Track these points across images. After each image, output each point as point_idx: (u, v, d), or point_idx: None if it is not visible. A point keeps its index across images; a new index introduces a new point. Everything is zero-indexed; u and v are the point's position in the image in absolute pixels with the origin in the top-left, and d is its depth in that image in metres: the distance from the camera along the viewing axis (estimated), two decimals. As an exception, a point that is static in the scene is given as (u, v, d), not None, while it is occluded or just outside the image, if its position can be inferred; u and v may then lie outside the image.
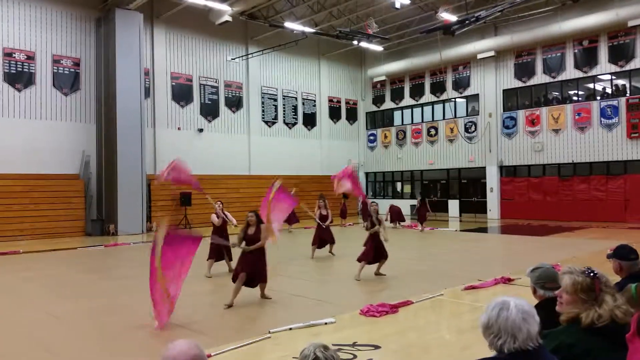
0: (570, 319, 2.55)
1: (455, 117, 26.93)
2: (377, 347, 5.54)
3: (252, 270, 7.95)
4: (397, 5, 19.31)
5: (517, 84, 24.68)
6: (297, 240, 17.44)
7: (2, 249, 14.82)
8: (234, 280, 7.98)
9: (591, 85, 22.74)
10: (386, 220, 18.69)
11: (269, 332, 6.03)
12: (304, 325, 6.33)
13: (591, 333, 2.45)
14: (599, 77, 22.30)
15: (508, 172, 25.18)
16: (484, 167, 25.65)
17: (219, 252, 10.96)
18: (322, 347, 2.04)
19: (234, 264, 9.38)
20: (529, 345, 2.02)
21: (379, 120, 30.91)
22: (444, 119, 27.56)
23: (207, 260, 10.83)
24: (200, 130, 23.70)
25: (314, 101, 28.84)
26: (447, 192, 27.64)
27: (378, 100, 30.76)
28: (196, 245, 7.27)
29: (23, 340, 6.28)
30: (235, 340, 5.74)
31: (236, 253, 8.86)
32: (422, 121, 28.64)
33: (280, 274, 10.84)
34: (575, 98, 23.24)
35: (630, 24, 20.30)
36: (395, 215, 21.69)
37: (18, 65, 18.85)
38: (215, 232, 11.18)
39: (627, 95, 21.40)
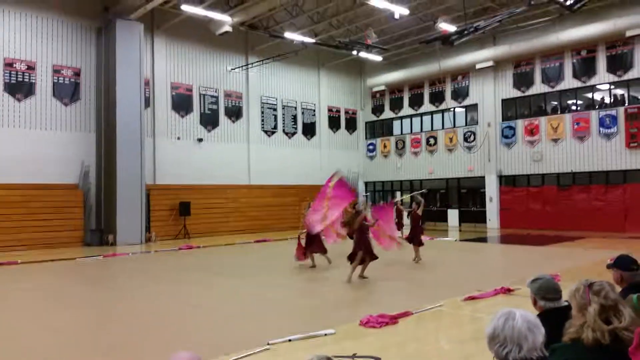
0: (572, 340, 2.48)
1: (454, 126, 26.99)
2: (377, 358, 5.50)
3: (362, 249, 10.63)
4: (396, 16, 19.41)
5: (516, 93, 24.76)
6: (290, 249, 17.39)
7: (0, 259, 14.77)
8: (350, 259, 10.71)
9: (590, 95, 22.81)
10: None
11: (268, 344, 5.99)
12: (304, 336, 6.29)
13: (596, 352, 2.38)
14: (597, 86, 22.38)
15: (507, 182, 25.18)
16: (483, 177, 25.66)
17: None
18: (325, 358, 2.05)
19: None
20: (533, 355, 2.02)
21: (378, 129, 30.96)
22: (443, 128, 27.62)
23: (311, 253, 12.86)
24: (200, 140, 23.72)
25: (314, 111, 28.91)
26: (446, 202, 27.62)
27: (377, 109, 30.84)
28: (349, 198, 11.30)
29: (20, 351, 6.23)
30: (234, 351, 5.70)
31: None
32: (422, 131, 28.70)
33: (276, 284, 10.80)
34: (574, 108, 23.31)
35: (628, 34, 20.42)
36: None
37: (18, 76, 18.89)
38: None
39: (626, 104, 21.47)
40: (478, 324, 7.07)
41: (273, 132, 26.89)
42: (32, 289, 10.79)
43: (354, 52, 23.48)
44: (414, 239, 13.75)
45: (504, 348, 2.07)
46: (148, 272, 13.21)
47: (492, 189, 25.31)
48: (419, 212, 14.14)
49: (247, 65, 25.24)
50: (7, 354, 6.15)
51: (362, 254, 10.62)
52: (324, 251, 12.88)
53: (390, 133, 30.23)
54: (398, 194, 29.48)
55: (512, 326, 2.06)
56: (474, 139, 26.19)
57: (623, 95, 21.82)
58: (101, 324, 7.60)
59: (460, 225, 26.42)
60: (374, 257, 10.81)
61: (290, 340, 6.15)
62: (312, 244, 12.75)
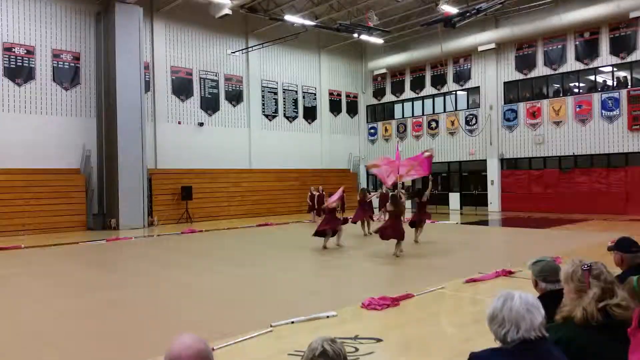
0: (564, 318, 2.57)
1: (456, 109, 26.88)
2: (378, 340, 5.56)
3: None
4: (398, -2, 19.23)
5: (518, 76, 24.62)
6: (294, 232, 17.48)
7: (4, 244, 14.86)
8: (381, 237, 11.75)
9: (592, 78, 22.67)
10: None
11: (271, 326, 6.05)
12: (306, 318, 6.35)
13: (586, 329, 2.46)
14: (600, 69, 22.23)
15: (509, 165, 25.16)
16: (485, 160, 25.64)
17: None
18: (329, 340, 2.07)
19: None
20: (531, 335, 2.07)
21: (380, 113, 30.86)
22: (444, 111, 27.53)
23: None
24: (201, 124, 23.68)
25: (315, 94, 28.80)
26: (447, 185, 27.63)
27: (378, 93, 30.70)
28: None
29: (23, 335, 6.30)
30: (237, 334, 5.76)
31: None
32: (423, 114, 28.60)
33: (281, 268, 10.86)
34: (576, 90, 23.19)
35: (632, 15, 20.20)
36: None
37: (18, 60, 18.81)
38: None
39: (629, 87, 21.35)
40: (479, 306, 7.13)
41: (274, 116, 26.82)
42: (36, 273, 10.88)
43: (355, 35, 23.32)
44: (418, 222, 14.14)
45: (502, 328, 2.12)
46: (151, 256, 13.30)
47: (493, 172, 25.31)
48: (424, 198, 14.46)
49: (247, 48, 25.08)
50: (10, 338, 6.22)
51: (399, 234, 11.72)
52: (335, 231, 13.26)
53: (392, 117, 30.13)
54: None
55: (510, 307, 2.11)
56: (476, 122, 26.11)
57: (626, 77, 21.68)
58: (104, 307, 7.67)
59: (461, 208, 26.48)
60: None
61: (292, 322, 6.21)
62: (329, 222, 13.13)
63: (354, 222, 16.10)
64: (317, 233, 13.03)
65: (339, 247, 13.18)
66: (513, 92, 25.11)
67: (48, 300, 8.26)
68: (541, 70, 23.82)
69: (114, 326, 6.62)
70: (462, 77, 26.75)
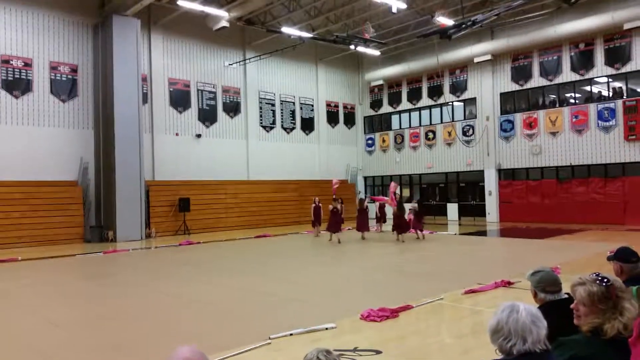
0: (593, 329, 2.44)
1: (452, 120, 26.98)
2: (378, 352, 5.53)
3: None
4: (394, 10, 19.34)
5: (514, 87, 24.75)
6: (292, 243, 17.44)
7: (1, 256, 14.77)
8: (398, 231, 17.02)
9: (588, 88, 22.81)
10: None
11: (269, 338, 6.01)
12: (305, 330, 6.31)
13: (614, 345, 2.35)
14: (595, 79, 22.37)
15: (506, 175, 25.21)
16: (482, 171, 25.68)
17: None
18: (325, 351, 2.07)
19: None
20: (537, 347, 2.04)
21: (377, 124, 30.96)
22: (441, 122, 27.62)
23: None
24: (199, 135, 23.70)
25: (312, 106, 28.88)
26: (445, 196, 27.65)
27: (376, 104, 30.82)
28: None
29: (20, 348, 6.24)
30: (235, 346, 5.72)
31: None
32: (420, 125, 28.69)
33: (277, 278, 10.82)
34: (572, 101, 23.31)
35: (626, 26, 20.39)
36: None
37: (15, 72, 18.84)
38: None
39: (624, 97, 21.47)
40: (478, 317, 7.11)
41: (271, 128, 26.87)
42: (33, 285, 10.80)
43: (352, 47, 23.43)
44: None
45: (508, 341, 2.07)
46: (148, 268, 13.23)
47: (491, 183, 25.34)
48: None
49: (244, 60, 25.19)
50: (8, 351, 6.16)
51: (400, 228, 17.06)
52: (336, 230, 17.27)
53: (389, 127, 30.22)
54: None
55: (516, 319, 2.07)
56: (473, 132, 26.19)
57: (621, 88, 21.81)
58: (102, 320, 7.62)
59: (459, 219, 26.46)
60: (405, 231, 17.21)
61: (291, 334, 6.18)
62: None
63: (359, 230, 18.08)
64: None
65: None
66: (509, 102, 25.23)
67: (45, 312, 8.19)
68: (537, 81, 23.95)
69: (112, 338, 6.57)
70: (458, 88, 26.88)
